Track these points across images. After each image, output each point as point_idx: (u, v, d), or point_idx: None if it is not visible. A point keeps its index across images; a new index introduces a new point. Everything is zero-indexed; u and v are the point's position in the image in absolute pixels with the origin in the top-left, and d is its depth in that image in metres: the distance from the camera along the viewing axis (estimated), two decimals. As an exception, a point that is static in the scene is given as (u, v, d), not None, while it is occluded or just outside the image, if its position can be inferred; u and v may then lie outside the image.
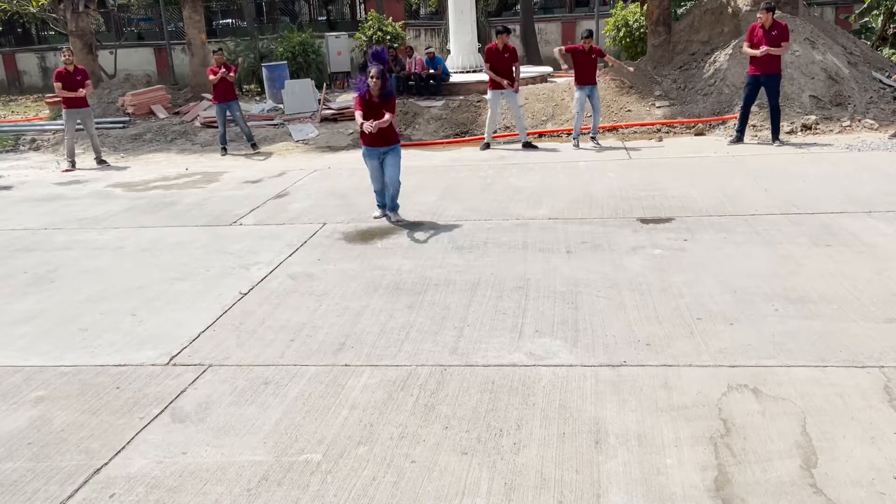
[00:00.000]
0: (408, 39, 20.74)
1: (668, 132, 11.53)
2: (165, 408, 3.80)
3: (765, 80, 9.74)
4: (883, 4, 17.72)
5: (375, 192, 7.26)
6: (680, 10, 19.24)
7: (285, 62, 16.70)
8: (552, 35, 27.62)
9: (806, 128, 10.72)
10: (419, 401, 3.71)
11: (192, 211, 8.19)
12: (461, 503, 2.92)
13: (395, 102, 7.24)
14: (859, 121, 10.82)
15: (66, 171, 11.49)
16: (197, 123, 14.36)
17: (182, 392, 3.96)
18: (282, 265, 6.01)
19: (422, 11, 37.19)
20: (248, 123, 12.71)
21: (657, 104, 12.42)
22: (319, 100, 14.69)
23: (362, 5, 31.72)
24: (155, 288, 5.67)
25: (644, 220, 6.67)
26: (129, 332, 4.85)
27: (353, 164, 9.18)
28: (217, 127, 12.53)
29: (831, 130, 10.64)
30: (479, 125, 12.31)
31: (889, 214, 6.39)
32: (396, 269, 5.73)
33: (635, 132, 11.69)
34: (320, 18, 34.60)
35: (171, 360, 4.38)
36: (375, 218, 7.23)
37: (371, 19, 19.64)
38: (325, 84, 16.18)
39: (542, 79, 15.55)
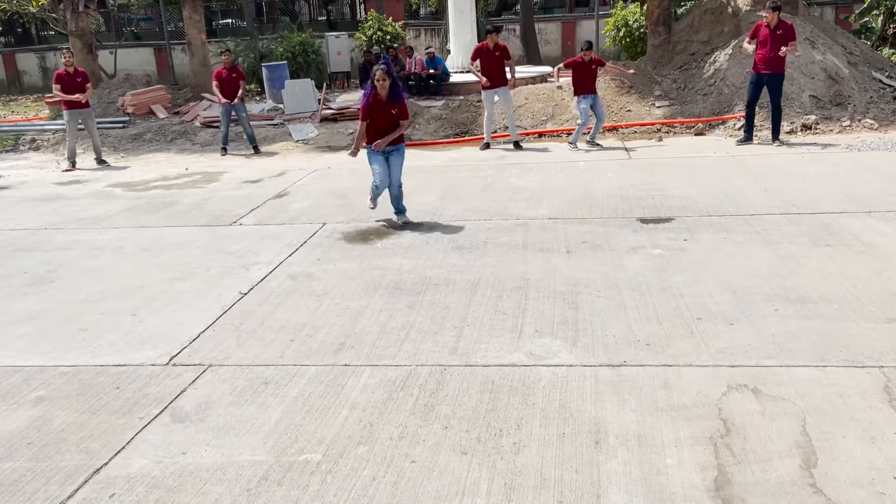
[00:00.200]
0: (408, 39, 20.74)
1: (668, 132, 11.54)
2: (165, 408, 3.80)
3: (768, 79, 9.69)
4: (883, 4, 17.73)
5: (376, 186, 6.96)
6: (680, 10, 19.24)
7: (285, 62, 16.71)
8: (552, 35, 27.60)
9: (806, 128, 10.73)
10: (419, 401, 3.71)
11: (192, 211, 8.19)
12: (461, 503, 2.92)
13: (407, 106, 7.10)
14: (859, 121, 10.82)
15: (66, 170, 11.50)
16: (197, 123, 14.36)
17: (182, 392, 3.96)
18: (282, 265, 6.01)
19: (422, 11, 37.20)
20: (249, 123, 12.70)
21: (657, 104, 12.42)
22: (319, 100, 14.69)
23: (362, 5, 31.77)
24: (155, 288, 5.67)
25: (644, 220, 6.67)
26: (129, 332, 4.85)
27: (353, 164, 9.18)
28: (219, 127, 12.54)
29: (831, 130, 10.64)
30: (478, 125, 12.31)
31: (889, 214, 6.39)
32: (396, 269, 5.73)
33: (635, 132, 11.70)
34: (320, 18, 34.66)
35: (171, 360, 4.38)
36: (371, 209, 7.17)
37: (371, 19, 19.63)
38: (325, 84, 16.18)
39: (542, 79, 15.56)
